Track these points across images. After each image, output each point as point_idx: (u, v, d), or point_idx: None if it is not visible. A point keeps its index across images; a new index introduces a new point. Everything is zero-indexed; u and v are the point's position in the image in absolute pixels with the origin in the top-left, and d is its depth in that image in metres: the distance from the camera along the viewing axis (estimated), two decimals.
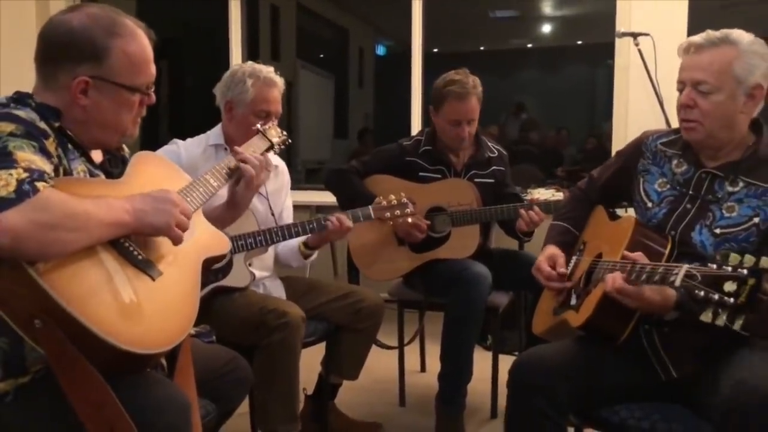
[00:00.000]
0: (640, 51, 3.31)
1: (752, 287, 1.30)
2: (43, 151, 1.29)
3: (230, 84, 2.37)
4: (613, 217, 1.97)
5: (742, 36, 1.67)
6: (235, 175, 1.83)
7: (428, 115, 2.92)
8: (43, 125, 1.34)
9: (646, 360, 1.74)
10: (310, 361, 2.63)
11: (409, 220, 2.43)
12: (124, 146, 1.65)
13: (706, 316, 1.34)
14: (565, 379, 1.70)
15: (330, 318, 2.48)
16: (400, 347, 2.95)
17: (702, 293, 1.35)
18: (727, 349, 1.62)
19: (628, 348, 1.73)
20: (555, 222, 2.08)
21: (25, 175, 1.19)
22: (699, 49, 1.69)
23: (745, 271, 1.31)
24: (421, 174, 2.82)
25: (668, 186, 1.82)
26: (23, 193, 1.17)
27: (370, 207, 2.38)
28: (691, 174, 1.78)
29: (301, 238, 2.45)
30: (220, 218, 1.84)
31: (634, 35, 3.39)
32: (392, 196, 2.38)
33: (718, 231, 1.69)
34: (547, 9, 9.97)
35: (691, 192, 1.77)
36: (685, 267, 1.42)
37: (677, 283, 1.42)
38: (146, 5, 6.48)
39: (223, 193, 1.83)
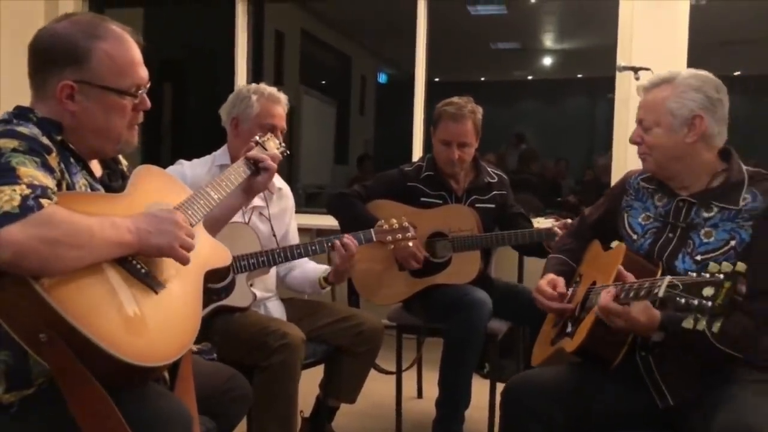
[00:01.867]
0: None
1: (728, 290, 1.38)
2: (46, 167, 1.30)
3: (235, 101, 2.43)
4: (608, 249, 2.00)
5: (680, 73, 1.80)
6: (254, 168, 1.87)
7: (430, 143, 2.96)
8: (45, 140, 1.35)
9: (642, 387, 1.74)
10: (308, 383, 2.62)
11: (410, 244, 2.44)
12: (122, 160, 1.65)
13: (688, 323, 1.41)
14: (559, 403, 1.73)
15: (330, 340, 2.48)
16: (398, 372, 2.95)
17: (683, 300, 1.42)
18: (722, 384, 1.64)
19: (624, 375, 1.74)
20: (552, 255, 2.12)
21: (28, 191, 1.20)
22: (645, 91, 1.86)
23: (722, 276, 1.40)
24: (422, 199, 2.84)
25: (651, 219, 1.88)
26: (27, 208, 1.18)
27: (371, 230, 2.39)
28: (670, 205, 1.84)
29: (321, 271, 2.49)
30: (233, 204, 1.87)
31: (635, 69, 3.44)
32: (394, 220, 2.40)
33: (699, 258, 1.73)
34: (549, 42, 10.10)
35: (671, 221, 1.82)
36: (668, 278, 1.48)
37: (661, 293, 1.48)
38: (152, 28, 6.56)
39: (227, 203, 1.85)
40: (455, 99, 2.81)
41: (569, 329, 1.90)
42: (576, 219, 2.21)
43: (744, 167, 1.79)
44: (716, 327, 1.38)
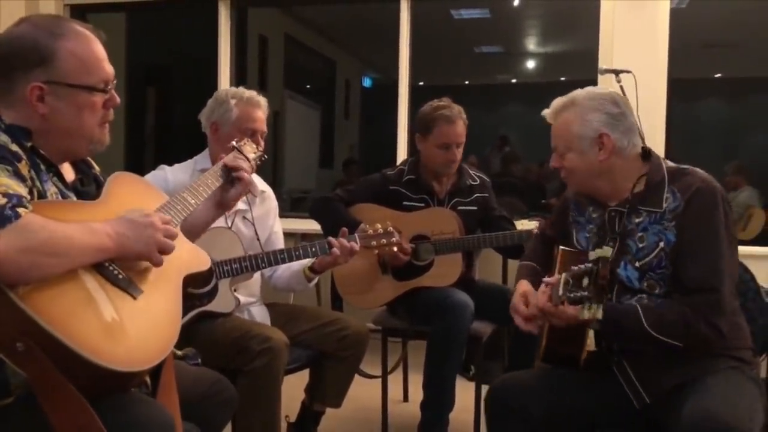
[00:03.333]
0: (621, 87, 3.38)
1: (594, 275, 1.48)
2: (18, 175, 1.29)
3: (214, 106, 2.42)
4: None
5: (579, 95, 1.85)
6: (228, 177, 1.84)
7: (414, 147, 2.96)
8: (15, 147, 1.34)
9: (619, 389, 1.77)
10: (293, 388, 2.62)
11: (395, 249, 2.42)
12: (95, 165, 1.64)
13: (582, 314, 1.51)
14: (538, 400, 1.77)
15: (314, 345, 2.48)
16: (384, 376, 2.95)
17: (572, 294, 1.53)
18: (701, 376, 1.66)
19: (600, 376, 1.78)
20: (522, 263, 2.13)
21: (4, 200, 1.19)
22: (552, 118, 1.90)
23: (590, 264, 1.49)
24: (405, 203, 2.85)
25: (593, 231, 1.91)
26: (5, 218, 1.17)
27: (356, 235, 2.38)
28: (603, 216, 1.88)
29: (305, 262, 2.45)
30: (207, 218, 1.85)
31: (616, 72, 3.46)
32: (378, 225, 2.38)
33: (638, 264, 1.77)
34: (532, 46, 10.15)
35: (609, 232, 1.85)
36: (564, 275, 1.58)
37: (560, 291, 1.58)
38: (135, 33, 6.54)
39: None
40: (442, 102, 2.82)
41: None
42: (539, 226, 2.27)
43: (664, 165, 1.81)
44: (599, 314, 1.48)
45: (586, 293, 1.48)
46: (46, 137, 1.44)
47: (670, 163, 1.84)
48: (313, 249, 2.32)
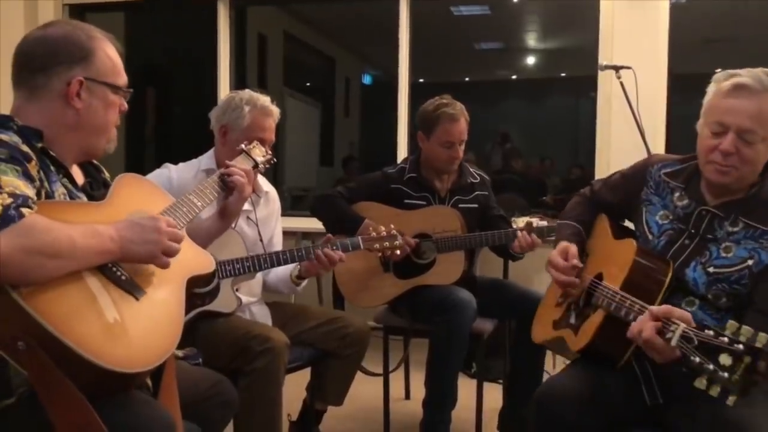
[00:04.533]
0: (622, 83, 3.37)
1: (747, 366, 1.29)
2: (27, 176, 1.30)
3: (226, 109, 2.40)
4: (617, 231, 1.94)
5: None
6: (226, 188, 1.87)
7: (414, 144, 2.96)
8: (25, 148, 1.35)
9: (633, 384, 1.73)
10: (295, 386, 2.62)
11: (398, 252, 2.42)
12: (104, 170, 1.67)
13: (701, 383, 1.34)
14: (587, 410, 1.66)
15: (316, 344, 2.48)
16: (385, 374, 2.95)
17: (697, 360, 1.35)
18: None
19: (623, 374, 1.72)
20: (564, 221, 2.03)
21: (9, 200, 1.20)
22: (750, 94, 1.59)
23: (741, 347, 1.31)
24: (406, 201, 2.84)
25: (669, 218, 1.79)
26: (9, 218, 1.18)
27: (359, 238, 2.38)
28: (692, 209, 1.75)
29: (291, 268, 2.45)
30: (211, 229, 1.86)
31: (616, 68, 3.45)
32: (382, 228, 2.38)
33: (711, 270, 1.67)
34: (532, 41, 10.13)
35: (691, 229, 1.74)
36: (682, 327, 1.42)
37: (673, 342, 1.42)
38: (134, 33, 6.52)
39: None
40: (443, 100, 2.82)
41: (572, 320, 1.87)
42: (585, 189, 2.10)
43: None
44: (731, 401, 1.30)
45: (725, 376, 1.30)
46: (67, 135, 1.48)
47: None
48: (315, 251, 2.32)
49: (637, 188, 1.88)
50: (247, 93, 2.42)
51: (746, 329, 1.32)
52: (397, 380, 3.20)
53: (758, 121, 1.58)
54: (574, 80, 9.93)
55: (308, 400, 2.62)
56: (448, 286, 2.71)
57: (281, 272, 2.52)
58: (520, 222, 2.73)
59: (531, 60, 10.80)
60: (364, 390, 2.96)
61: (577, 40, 7.48)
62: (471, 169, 2.97)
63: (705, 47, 7.90)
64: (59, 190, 1.43)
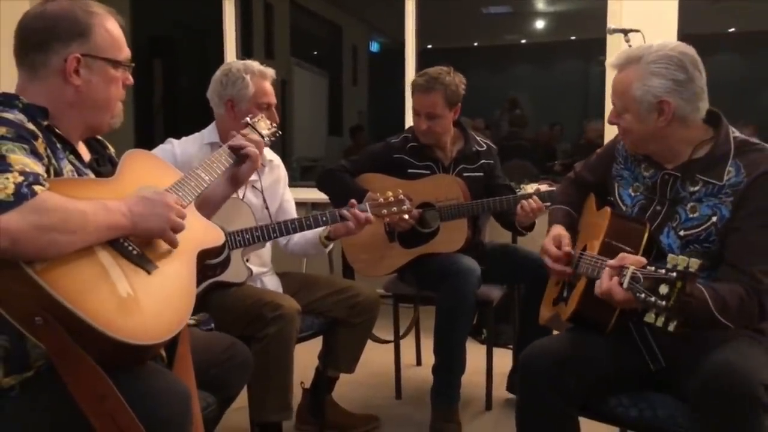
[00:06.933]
0: (630, 47, 3.33)
1: (679, 290, 1.37)
2: (35, 153, 1.31)
3: (227, 83, 2.39)
4: (599, 205, 2.00)
5: (648, 54, 1.70)
6: (238, 156, 1.86)
7: None
8: (31, 126, 1.36)
9: (636, 351, 1.77)
10: (308, 355, 2.66)
11: (406, 217, 2.37)
12: (109, 146, 1.68)
13: (650, 317, 1.42)
14: (572, 371, 1.71)
15: (326, 312, 2.51)
16: (396, 341, 2.98)
17: (643, 296, 1.43)
18: (713, 337, 1.64)
19: (618, 339, 1.76)
20: (555, 206, 2.10)
21: (21, 178, 1.21)
22: (614, 69, 1.78)
23: (674, 274, 1.38)
24: (409, 170, 2.85)
25: (640, 190, 1.86)
26: (22, 196, 1.19)
27: (366, 204, 2.37)
28: (656, 177, 1.81)
29: (321, 231, 2.46)
30: (221, 194, 1.87)
31: (625, 32, 3.41)
32: (389, 193, 2.35)
33: (682, 233, 1.71)
34: (540, 5, 10.01)
35: (658, 195, 1.80)
36: (631, 269, 1.48)
37: (624, 285, 1.48)
38: (140, 4, 6.49)
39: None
40: (430, 69, 2.81)
41: (565, 293, 1.94)
42: (571, 172, 2.17)
43: (732, 136, 1.71)
44: (672, 326, 1.38)
45: (663, 304, 1.38)
46: (73, 112, 1.48)
47: (739, 135, 1.73)
48: (324, 218, 2.33)
49: (608, 166, 1.96)
50: (239, 63, 2.43)
51: (682, 258, 1.39)
52: (408, 347, 3.24)
53: (617, 95, 1.77)
54: (584, 44, 9.82)
55: (320, 368, 2.66)
56: (452, 254, 2.73)
57: (310, 235, 2.53)
58: (528, 188, 2.72)
59: (540, 24, 10.68)
60: (375, 357, 3.00)
61: (586, 3, 7.38)
62: (477, 137, 2.96)
63: (715, 6, 7.78)
64: (67, 168, 1.44)
